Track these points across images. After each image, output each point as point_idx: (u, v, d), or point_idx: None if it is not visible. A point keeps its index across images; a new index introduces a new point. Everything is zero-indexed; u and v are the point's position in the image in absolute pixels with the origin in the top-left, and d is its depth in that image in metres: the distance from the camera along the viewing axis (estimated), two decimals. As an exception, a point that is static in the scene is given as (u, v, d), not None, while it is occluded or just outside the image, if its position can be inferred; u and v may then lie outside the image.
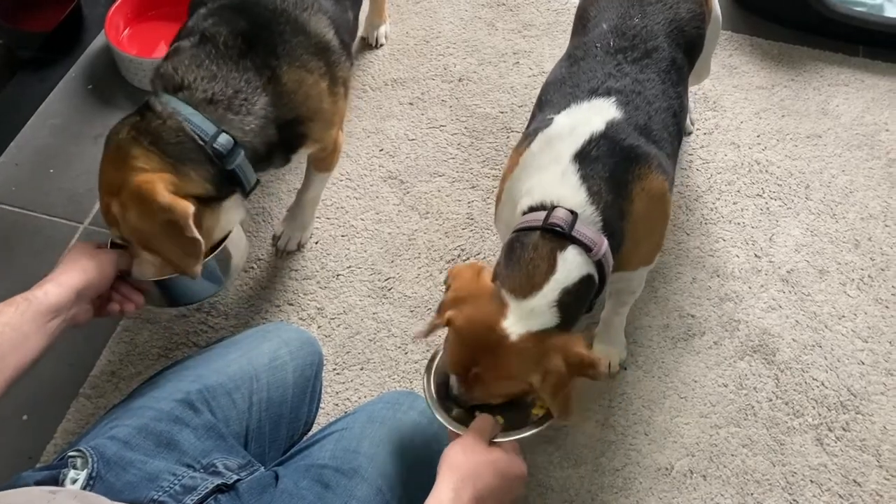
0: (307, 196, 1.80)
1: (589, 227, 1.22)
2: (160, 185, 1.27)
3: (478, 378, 1.16)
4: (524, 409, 1.24)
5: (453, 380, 1.22)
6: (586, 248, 1.20)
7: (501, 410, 1.22)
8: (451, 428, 1.21)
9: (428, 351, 1.71)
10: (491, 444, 1.12)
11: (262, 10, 1.42)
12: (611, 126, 1.30)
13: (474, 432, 1.12)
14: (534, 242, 1.20)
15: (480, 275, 1.21)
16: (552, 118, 1.34)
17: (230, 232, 1.44)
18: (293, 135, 1.48)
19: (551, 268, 1.18)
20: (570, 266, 1.19)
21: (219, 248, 1.40)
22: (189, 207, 1.28)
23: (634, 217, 1.29)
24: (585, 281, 1.21)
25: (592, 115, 1.32)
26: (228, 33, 1.38)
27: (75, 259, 1.25)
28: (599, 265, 1.22)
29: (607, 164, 1.26)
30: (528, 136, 1.37)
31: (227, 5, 1.43)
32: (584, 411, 1.61)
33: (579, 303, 1.22)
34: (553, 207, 1.22)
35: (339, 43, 1.51)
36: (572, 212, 1.21)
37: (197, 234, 1.28)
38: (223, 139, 1.33)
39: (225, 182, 1.37)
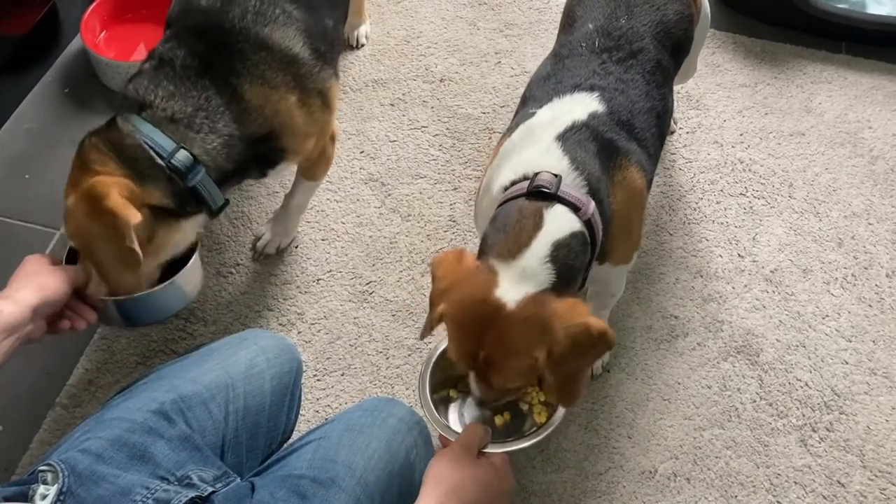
0: (293, 202, 1.78)
1: (574, 188, 1.19)
2: (114, 189, 1.26)
3: (488, 362, 1.10)
4: (523, 417, 1.23)
5: (472, 382, 1.19)
6: (574, 208, 1.16)
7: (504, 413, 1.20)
8: (442, 433, 1.20)
9: (411, 356, 1.70)
10: (481, 454, 1.11)
11: (219, 31, 1.41)
12: (593, 117, 1.29)
13: (462, 444, 1.10)
14: (519, 207, 1.16)
15: (462, 258, 1.16)
16: (534, 111, 1.34)
17: (192, 256, 1.44)
18: (270, 149, 1.47)
19: (538, 224, 1.13)
20: (560, 220, 1.15)
21: (181, 271, 1.40)
22: (134, 216, 1.26)
23: (613, 207, 1.27)
24: (578, 236, 1.16)
25: (575, 106, 1.31)
26: (186, 54, 1.38)
27: (31, 275, 1.23)
28: (589, 226, 1.18)
29: (589, 148, 1.25)
30: (511, 128, 1.37)
31: (188, 27, 1.43)
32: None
33: (576, 258, 1.16)
34: (536, 174, 1.19)
35: (310, 53, 1.48)
36: (556, 175, 1.19)
37: (136, 246, 1.27)
38: (182, 156, 1.33)
39: (189, 199, 1.37)
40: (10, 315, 1.15)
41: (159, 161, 1.32)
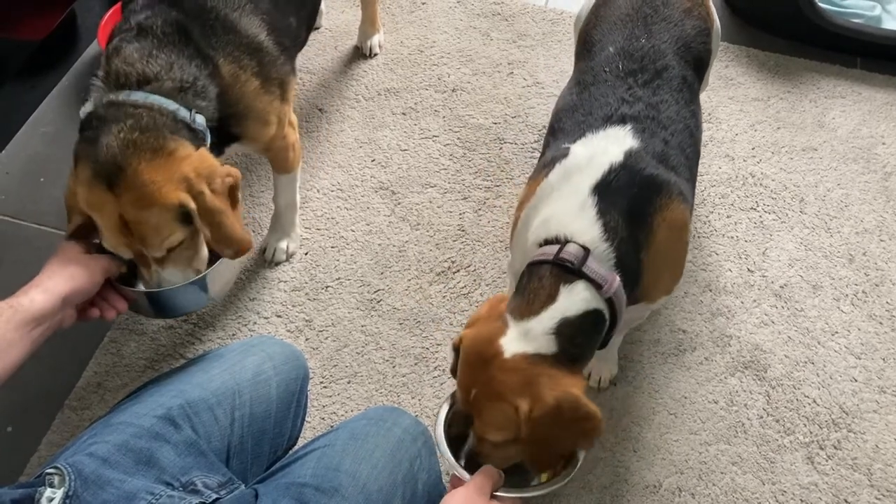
0: (280, 201, 1.80)
1: (601, 264, 1.20)
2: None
3: (475, 402, 1.15)
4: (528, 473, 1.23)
5: (458, 411, 1.22)
6: (597, 286, 1.19)
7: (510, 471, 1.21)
8: (455, 471, 1.20)
9: (417, 365, 1.70)
10: (493, 497, 1.12)
11: (193, 3, 1.42)
12: (629, 156, 1.27)
13: (476, 485, 1.11)
14: (541, 274, 1.20)
15: (500, 303, 1.22)
16: (568, 147, 1.32)
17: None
18: (226, 128, 1.48)
19: (551, 297, 1.18)
20: (575, 298, 1.18)
21: (216, 263, 1.40)
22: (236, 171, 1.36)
23: (655, 249, 1.26)
24: (591, 315, 1.19)
25: (609, 145, 1.29)
26: (163, 23, 1.38)
27: (63, 264, 1.23)
28: (610, 302, 1.21)
29: (627, 195, 1.24)
30: (545, 165, 1.34)
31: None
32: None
33: (585, 337, 1.20)
34: (566, 242, 1.22)
35: (274, 45, 1.52)
36: (585, 248, 1.20)
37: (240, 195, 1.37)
38: (200, 119, 1.36)
39: None
40: (41, 304, 1.15)
41: (191, 128, 1.35)
